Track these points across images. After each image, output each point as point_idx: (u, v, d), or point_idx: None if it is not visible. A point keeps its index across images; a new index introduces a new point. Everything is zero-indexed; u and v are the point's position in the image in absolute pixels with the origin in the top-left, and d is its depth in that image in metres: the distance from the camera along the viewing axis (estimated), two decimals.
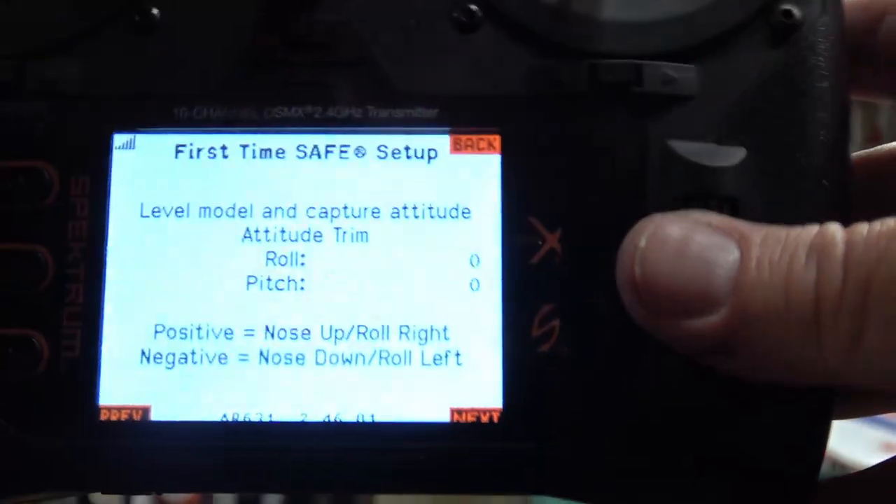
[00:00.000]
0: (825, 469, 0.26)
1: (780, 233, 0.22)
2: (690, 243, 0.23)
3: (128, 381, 0.25)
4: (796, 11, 0.26)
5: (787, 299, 0.21)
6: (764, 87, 0.26)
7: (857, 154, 0.29)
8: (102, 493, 0.26)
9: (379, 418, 0.25)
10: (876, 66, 0.28)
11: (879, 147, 0.30)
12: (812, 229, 0.22)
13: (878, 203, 0.24)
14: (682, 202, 0.25)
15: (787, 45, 0.26)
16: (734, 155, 0.26)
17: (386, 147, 0.26)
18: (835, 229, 0.22)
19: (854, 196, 0.26)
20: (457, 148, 0.26)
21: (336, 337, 0.25)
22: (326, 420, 0.25)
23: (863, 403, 0.31)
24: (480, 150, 0.26)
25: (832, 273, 0.21)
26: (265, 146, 0.26)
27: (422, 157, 0.26)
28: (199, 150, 0.26)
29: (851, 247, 0.21)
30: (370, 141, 0.26)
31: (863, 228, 0.21)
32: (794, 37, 0.26)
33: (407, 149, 0.26)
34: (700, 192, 0.25)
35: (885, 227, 0.21)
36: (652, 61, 0.26)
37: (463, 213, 0.26)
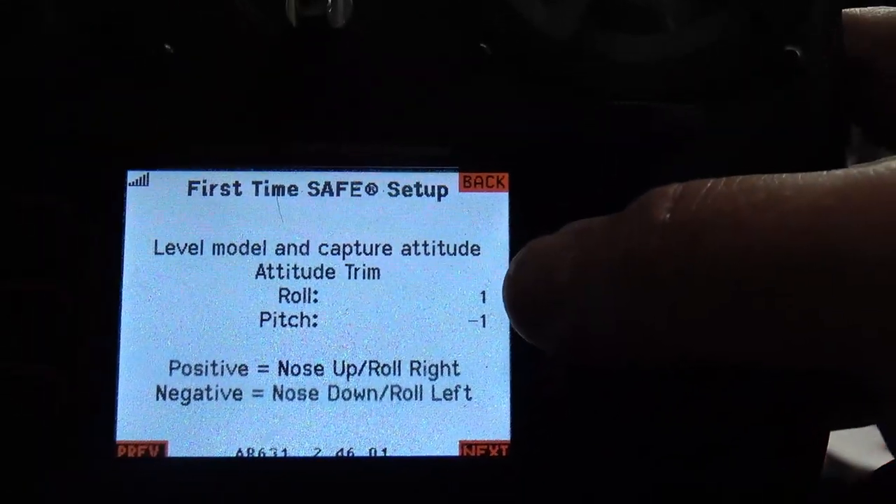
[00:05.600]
0: (825, 469, 0.27)
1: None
2: (535, 255, 0.24)
3: (144, 417, 0.26)
4: (800, 53, 0.27)
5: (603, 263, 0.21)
6: (767, 128, 0.26)
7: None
8: None
9: (391, 453, 0.26)
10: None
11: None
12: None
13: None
14: None
15: (790, 86, 0.27)
16: None
17: (397, 184, 0.27)
18: (661, 191, 0.21)
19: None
20: (466, 186, 0.27)
21: (348, 373, 0.26)
22: (339, 455, 0.26)
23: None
24: (489, 188, 0.27)
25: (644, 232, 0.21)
26: (278, 183, 0.26)
27: (432, 194, 0.27)
28: (212, 187, 0.26)
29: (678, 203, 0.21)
30: (381, 178, 0.27)
31: (698, 186, 0.21)
32: (797, 78, 0.27)
33: (417, 186, 0.27)
34: None
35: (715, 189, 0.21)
36: (659, 102, 0.26)
37: (472, 249, 0.26)
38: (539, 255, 0.23)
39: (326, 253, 0.26)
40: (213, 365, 0.26)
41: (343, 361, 0.26)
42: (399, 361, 0.26)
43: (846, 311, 0.19)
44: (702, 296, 0.20)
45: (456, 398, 0.26)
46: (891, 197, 0.19)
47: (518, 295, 0.24)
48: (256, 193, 0.26)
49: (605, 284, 0.22)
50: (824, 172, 0.20)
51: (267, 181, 0.26)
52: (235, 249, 0.26)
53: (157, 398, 0.26)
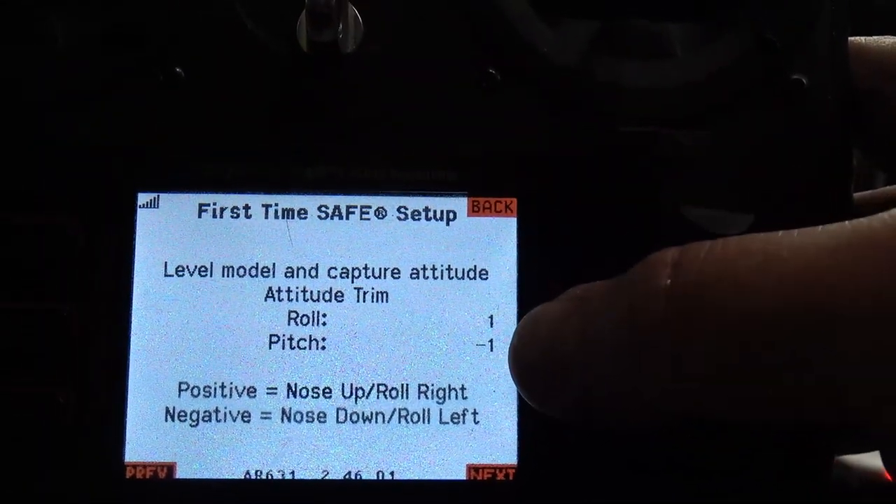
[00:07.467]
0: None
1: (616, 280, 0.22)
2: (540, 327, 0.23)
3: (153, 438, 0.26)
4: (806, 81, 0.27)
5: (605, 336, 0.21)
6: (773, 153, 0.27)
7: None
8: None
9: (398, 476, 0.26)
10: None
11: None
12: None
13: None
14: None
15: (796, 113, 0.27)
16: (742, 221, 0.26)
17: (406, 209, 0.27)
18: (659, 257, 0.22)
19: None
20: (475, 211, 0.27)
21: (357, 395, 0.26)
22: (347, 478, 0.26)
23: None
24: (498, 213, 0.27)
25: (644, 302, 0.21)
26: (287, 206, 0.27)
27: (441, 218, 0.27)
28: (222, 210, 0.26)
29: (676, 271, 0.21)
30: (390, 202, 0.27)
31: (696, 250, 0.21)
32: (803, 105, 0.27)
33: (426, 210, 0.27)
34: None
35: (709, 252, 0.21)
36: (666, 127, 0.27)
37: (480, 274, 0.27)
38: (542, 324, 0.23)
39: (335, 276, 0.26)
40: (222, 387, 0.26)
41: (351, 384, 0.26)
42: (407, 385, 0.26)
43: (840, 371, 0.19)
44: (702, 360, 0.20)
45: (463, 422, 0.26)
46: (883, 255, 0.19)
47: (525, 367, 0.23)
48: (266, 216, 0.27)
49: (609, 352, 0.21)
50: (820, 228, 0.20)
51: (277, 204, 0.27)
52: (245, 272, 0.26)
53: (166, 420, 0.26)
